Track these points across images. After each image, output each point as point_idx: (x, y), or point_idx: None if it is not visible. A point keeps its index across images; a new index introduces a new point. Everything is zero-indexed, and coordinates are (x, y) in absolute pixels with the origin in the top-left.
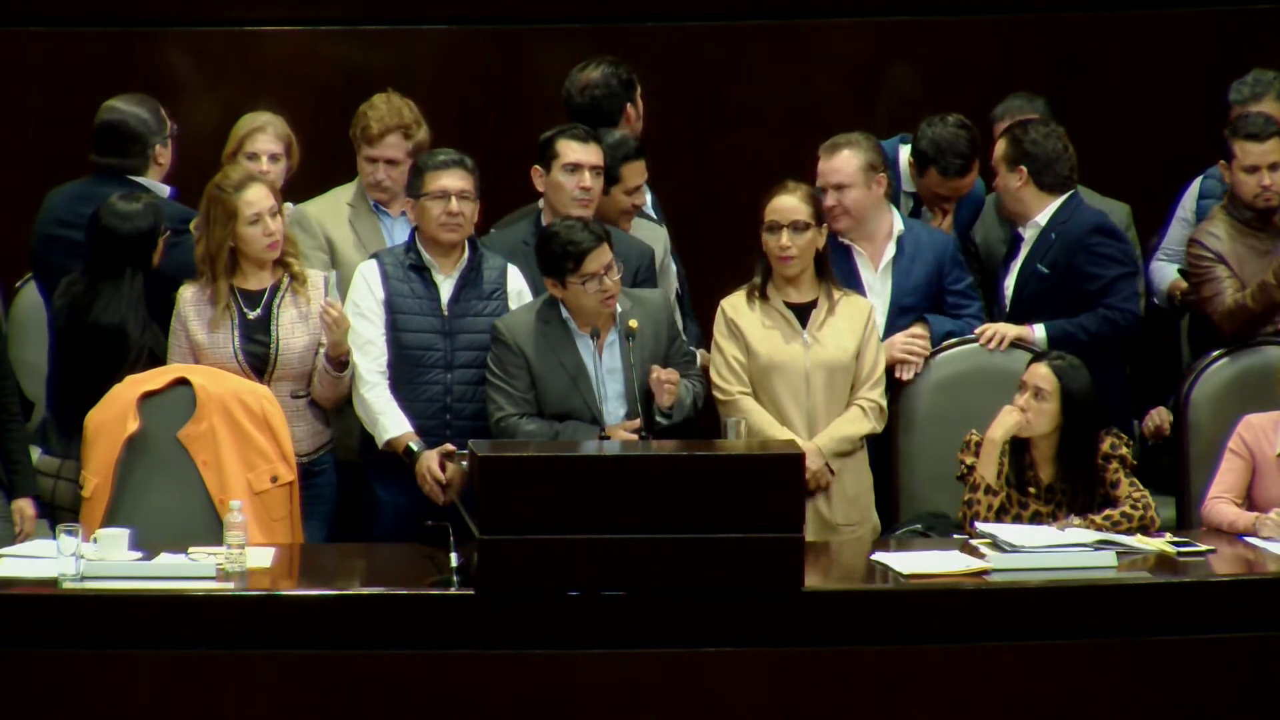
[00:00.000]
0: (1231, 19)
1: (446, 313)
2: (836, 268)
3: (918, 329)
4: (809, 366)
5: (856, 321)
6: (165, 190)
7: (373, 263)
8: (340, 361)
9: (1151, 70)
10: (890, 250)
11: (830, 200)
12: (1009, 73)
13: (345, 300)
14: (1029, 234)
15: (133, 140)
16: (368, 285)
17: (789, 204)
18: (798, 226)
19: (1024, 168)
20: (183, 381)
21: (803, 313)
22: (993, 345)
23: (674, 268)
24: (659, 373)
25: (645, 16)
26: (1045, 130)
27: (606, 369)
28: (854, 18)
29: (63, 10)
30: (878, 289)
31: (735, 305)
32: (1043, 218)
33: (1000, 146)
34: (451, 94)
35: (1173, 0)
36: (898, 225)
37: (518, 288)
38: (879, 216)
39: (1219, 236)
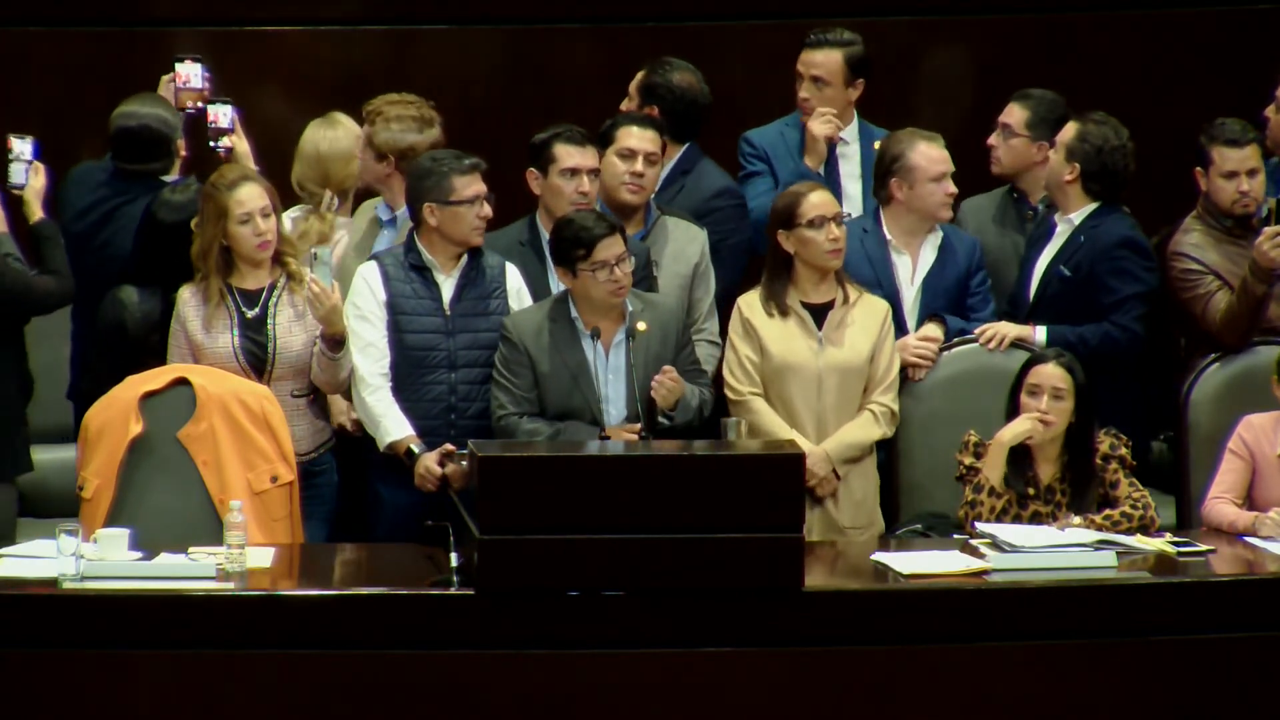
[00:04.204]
0: (1233, 19)
1: (449, 312)
2: (874, 266)
3: (933, 329)
4: (822, 369)
5: (873, 323)
6: None
7: (373, 264)
8: (335, 340)
9: (1151, 70)
10: (932, 254)
11: (951, 188)
12: (1009, 73)
13: (346, 302)
14: (1061, 229)
15: (158, 143)
16: (368, 287)
17: (825, 198)
18: (839, 219)
19: (1078, 165)
20: (183, 381)
21: (819, 313)
22: (993, 345)
23: (713, 272)
24: (661, 374)
25: (645, 16)
26: (1117, 142)
27: (610, 369)
28: (854, 18)
29: (63, 10)
30: (913, 292)
31: (751, 304)
32: (1078, 216)
33: (1069, 131)
34: (451, 94)
35: (1173, 0)
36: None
37: (516, 285)
38: None
39: (1201, 246)
